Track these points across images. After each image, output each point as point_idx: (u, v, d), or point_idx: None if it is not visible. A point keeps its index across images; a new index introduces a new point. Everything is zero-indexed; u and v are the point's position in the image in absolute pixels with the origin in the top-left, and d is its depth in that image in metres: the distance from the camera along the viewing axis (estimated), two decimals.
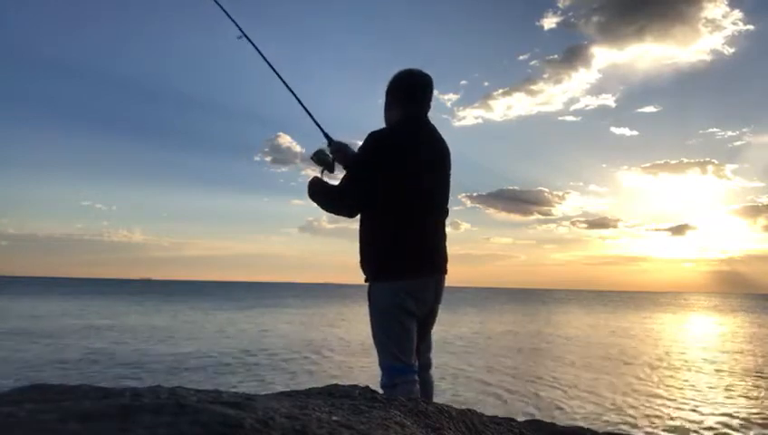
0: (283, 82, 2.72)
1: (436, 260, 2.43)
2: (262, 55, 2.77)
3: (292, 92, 2.70)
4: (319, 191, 2.41)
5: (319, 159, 2.48)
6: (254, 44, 2.76)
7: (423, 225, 2.38)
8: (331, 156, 2.49)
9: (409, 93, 2.43)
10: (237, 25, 2.79)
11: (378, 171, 2.33)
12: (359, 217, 2.48)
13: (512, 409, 6.54)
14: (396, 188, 2.32)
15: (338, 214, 2.47)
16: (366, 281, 2.43)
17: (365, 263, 2.44)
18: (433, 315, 2.52)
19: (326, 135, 2.59)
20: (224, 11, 2.85)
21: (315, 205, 2.43)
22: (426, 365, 2.53)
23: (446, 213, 2.51)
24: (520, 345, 13.99)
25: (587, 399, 7.38)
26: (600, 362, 11.14)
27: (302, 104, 2.69)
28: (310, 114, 2.66)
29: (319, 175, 2.45)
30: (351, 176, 2.43)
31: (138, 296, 41.73)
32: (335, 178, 2.50)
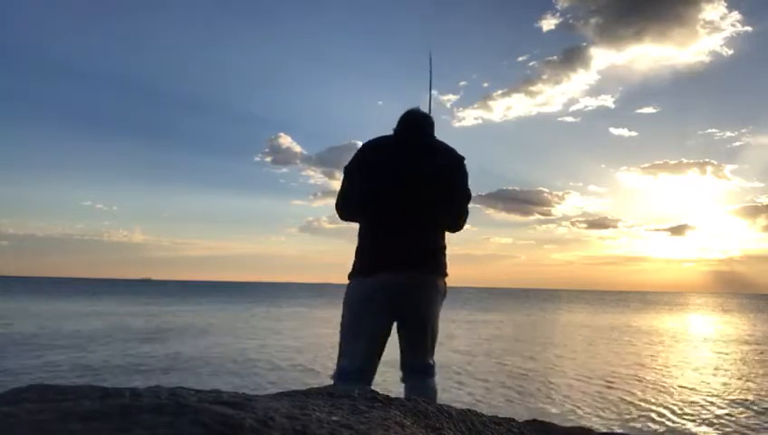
0: None
1: (403, 260, 2.38)
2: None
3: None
4: None
5: None
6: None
7: (387, 227, 2.41)
8: None
9: (398, 130, 2.59)
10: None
11: (351, 176, 2.50)
12: None
13: (512, 409, 6.54)
14: (361, 191, 2.46)
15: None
16: None
17: None
18: (413, 319, 2.45)
19: None
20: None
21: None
22: (421, 370, 2.46)
23: (426, 217, 2.46)
24: (521, 345, 13.99)
25: (588, 399, 7.38)
26: (602, 361, 11.13)
27: None
28: None
29: None
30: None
31: (152, 296, 41.72)
32: None
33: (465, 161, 2.58)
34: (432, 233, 2.48)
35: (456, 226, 2.58)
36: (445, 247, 2.54)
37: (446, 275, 2.52)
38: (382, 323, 2.40)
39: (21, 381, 7.19)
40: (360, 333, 2.37)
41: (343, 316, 2.44)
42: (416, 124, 2.55)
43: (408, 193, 2.43)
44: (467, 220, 2.60)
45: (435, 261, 2.47)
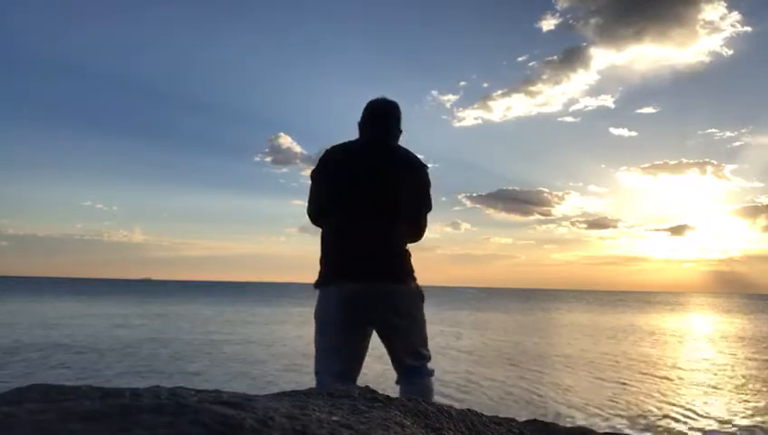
0: None
1: (370, 269, 2.33)
2: None
3: None
4: None
5: None
6: None
7: (356, 226, 2.36)
8: None
9: (364, 120, 2.53)
10: None
11: (319, 178, 2.47)
12: None
13: (512, 409, 6.54)
14: (322, 198, 2.45)
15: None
16: None
17: None
18: (388, 328, 2.41)
19: None
20: None
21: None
22: (411, 372, 2.45)
23: (393, 218, 2.43)
24: (526, 344, 13.98)
25: (588, 399, 7.38)
26: (604, 361, 11.13)
27: None
28: None
29: None
30: None
31: (152, 297, 41.73)
32: None
33: (428, 169, 2.56)
34: (399, 235, 2.45)
35: (418, 230, 2.55)
36: (408, 250, 2.51)
37: (414, 277, 2.46)
38: (357, 337, 2.39)
39: (22, 381, 7.19)
40: (334, 349, 2.36)
41: (316, 332, 2.41)
42: (383, 112, 2.51)
43: (379, 188, 2.41)
44: (427, 231, 2.58)
45: (403, 266, 2.44)
